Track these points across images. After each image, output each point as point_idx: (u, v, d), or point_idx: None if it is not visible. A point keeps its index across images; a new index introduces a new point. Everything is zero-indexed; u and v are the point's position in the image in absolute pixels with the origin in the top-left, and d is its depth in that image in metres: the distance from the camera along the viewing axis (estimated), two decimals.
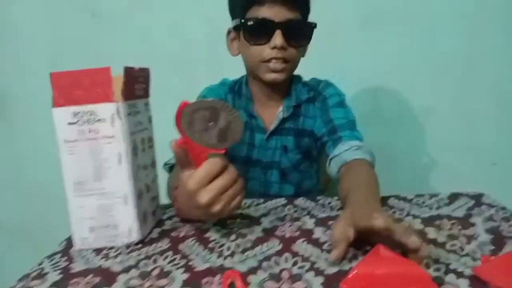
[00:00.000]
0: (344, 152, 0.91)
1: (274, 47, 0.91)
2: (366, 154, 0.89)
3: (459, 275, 0.50)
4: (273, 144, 1.06)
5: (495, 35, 1.56)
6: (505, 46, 1.57)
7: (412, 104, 1.64)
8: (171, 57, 1.63)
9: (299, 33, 0.95)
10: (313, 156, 1.09)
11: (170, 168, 0.92)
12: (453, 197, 0.80)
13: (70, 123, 0.60)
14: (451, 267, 0.53)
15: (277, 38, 0.90)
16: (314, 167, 1.12)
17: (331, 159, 0.95)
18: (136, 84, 0.64)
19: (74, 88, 0.59)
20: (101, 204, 0.62)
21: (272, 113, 1.04)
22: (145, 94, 0.69)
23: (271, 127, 1.04)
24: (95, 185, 0.61)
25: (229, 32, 1.02)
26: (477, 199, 0.79)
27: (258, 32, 0.92)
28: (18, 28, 1.66)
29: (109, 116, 0.59)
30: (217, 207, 0.59)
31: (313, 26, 0.96)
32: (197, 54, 1.63)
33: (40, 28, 1.65)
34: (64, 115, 0.59)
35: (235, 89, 1.08)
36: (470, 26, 1.56)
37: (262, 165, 1.07)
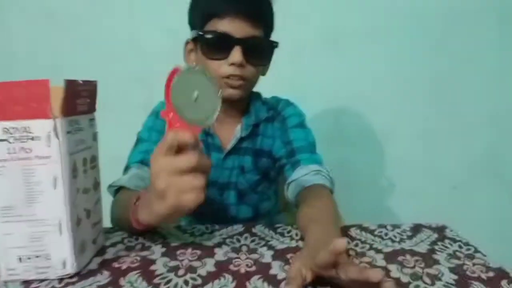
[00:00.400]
0: (303, 177, 0.88)
1: (232, 64, 0.86)
2: (325, 180, 0.87)
3: None
4: (230, 164, 1.00)
5: (458, 58, 1.59)
6: (467, 69, 1.60)
7: (373, 125, 1.65)
8: (131, 68, 1.58)
9: (260, 51, 0.90)
10: (271, 176, 1.04)
11: (116, 191, 0.84)
12: (416, 229, 0.77)
13: (0, 140, 0.53)
14: None
15: (236, 55, 0.84)
16: (273, 188, 1.08)
17: (289, 183, 0.91)
18: (78, 99, 0.58)
19: (6, 101, 0.52)
20: (32, 232, 0.55)
21: (229, 132, 0.99)
22: (90, 109, 0.62)
23: (229, 146, 0.98)
24: (25, 210, 0.54)
25: (187, 43, 0.96)
26: (440, 232, 0.76)
27: (216, 46, 0.87)
28: None
29: (45, 134, 0.53)
30: (171, 196, 0.55)
31: (274, 45, 0.92)
32: (158, 66, 1.56)
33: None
34: None
35: None
36: (432, 49, 1.58)
37: (218, 185, 1.00)
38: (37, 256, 0.56)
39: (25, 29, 1.56)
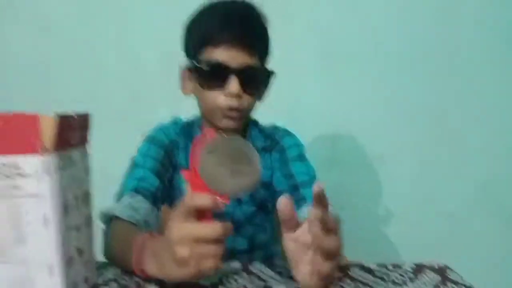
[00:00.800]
0: None
1: (229, 94, 0.84)
2: None
3: None
4: None
5: (457, 85, 1.59)
6: (466, 96, 1.59)
7: (371, 150, 1.64)
8: (124, 86, 1.56)
9: (256, 80, 0.89)
10: (268, 208, 1.01)
11: (108, 219, 0.80)
12: (418, 270, 0.74)
13: None
14: None
15: (233, 85, 0.82)
16: (270, 221, 1.04)
17: None
18: (71, 132, 0.55)
19: None
20: (20, 275, 0.51)
21: None
22: (83, 141, 0.60)
23: None
24: (14, 251, 0.51)
25: (182, 70, 0.94)
26: (442, 273, 0.73)
27: (212, 76, 0.85)
28: None
29: (35, 171, 0.50)
30: (192, 265, 0.54)
31: (271, 73, 0.91)
32: (151, 85, 1.56)
33: None
34: None
35: (188, 131, 1.00)
36: (432, 75, 1.58)
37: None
38: None
39: (20, 42, 1.54)
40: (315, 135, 1.54)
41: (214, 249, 0.55)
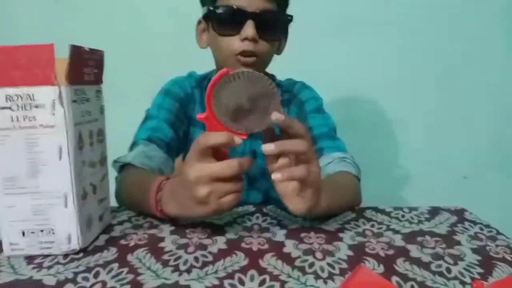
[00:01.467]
0: (327, 165, 0.84)
1: (245, 39, 0.81)
2: (350, 166, 0.83)
3: None
4: (240, 148, 0.96)
5: (471, 47, 1.55)
6: (477, 58, 1.56)
7: (384, 112, 1.62)
8: (134, 48, 1.56)
9: (273, 25, 0.85)
10: None
11: (121, 167, 0.81)
12: (434, 211, 0.74)
13: (2, 108, 0.50)
14: None
15: (249, 29, 0.80)
16: None
17: None
18: (85, 68, 0.55)
19: (9, 66, 0.50)
20: (35, 205, 0.52)
21: None
22: (97, 80, 0.60)
23: None
24: (29, 182, 0.52)
25: (199, 23, 0.92)
26: (459, 214, 0.73)
27: (228, 21, 0.83)
28: None
29: (50, 101, 0.50)
30: (212, 203, 0.55)
31: (289, 18, 0.88)
32: (161, 46, 1.55)
33: None
34: None
35: (203, 84, 0.99)
36: (443, 38, 1.54)
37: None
38: (41, 230, 0.53)
39: (30, 11, 1.54)
40: (328, 98, 1.52)
41: (232, 186, 0.55)
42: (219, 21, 0.84)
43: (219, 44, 0.85)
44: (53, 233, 0.53)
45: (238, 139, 0.55)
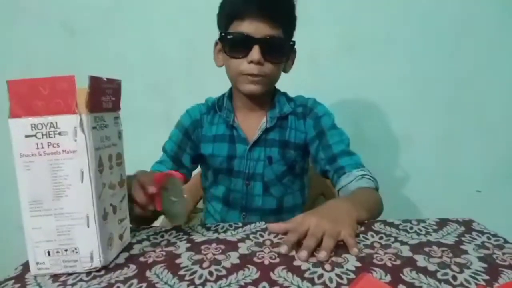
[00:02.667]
0: (349, 184, 0.94)
1: (251, 62, 0.93)
2: (370, 182, 0.94)
3: None
4: (256, 155, 1.05)
5: (479, 60, 1.56)
6: (488, 72, 1.57)
7: (394, 129, 1.63)
8: (148, 76, 1.61)
9: (277, 49, 0.97)
10: (296, 170, 1.08)
11: None
12: (442, 223, 0.75)
13: (27, 136, 0.54)
14: None
15: (254, 53, 0.92)
16: (297, 184, 1.11)
17: (338, 190, 0.97)
18: (103, 96, 0.59)
19: (33, 97, 0.54)
20: (60, 226, 0.56)
21: (254, 125, 1.05)
22: (115, 107, 0.64)
23: (254, 137, 1.04)
24: (53, 204, 0.56)
25: (216, 44, 1.03)
26: (467, 225, 0.74)
27: (237, 46, 0.95)
28: None
29: (72, 129, 0.54)
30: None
31: (291, 43, 0.99)
32: (174, 74, 1.59)
33: (14, 43, 1.61)
34: (21, 127, 0.54)
35: (216, 103, 1.09)
36: (454, 51, 1.55)
37: (244, 176, 1.06)
38: (65, 250, 0.57)
39: (44, 40, 1.61)
40: (338, 115, 1.55)
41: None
42: (229, 45, 0.96)
43: (230, 64, 0.97)
44: (77, 252, 0.57)
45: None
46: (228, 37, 0.95)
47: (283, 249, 0.62)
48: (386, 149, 1.64)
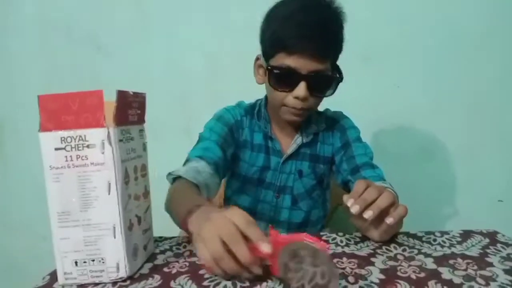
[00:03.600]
0: None
1: (297, 97, 0.90)
2: None
3: None
4: (288, 168, 1.05)
5: (497, 70, 1.54)
6: (508, 82, 1.55)
7: (414, 141, 1.62)
8: (171, 89, 1.63)
9: (324, 85, 0.94)
10: (324, 184, 1.08)
11: (173, 179, 0.88)
12: (466, 235, 0.75)
13: (57, 149, 0.56)
14: None
15: (301, 89, 0.89)
16: (323, 198, 1.11)
17: None
18: (129, 109, 0.61)
19: (62, 112, 0.56)
20: (87, 236, 0.57)
21: (289, 138, 1.05)
22: (140, 120, 0.65)
23: (289, 151, 1.03)
24: (81, 215, 0.57)
25: (257, 59, 1.01)
26: (491, 237, 0.74)
27: (283, 79, 0.91)
28: (15, 60, 1.67)
29: (99, 142, 0.56)
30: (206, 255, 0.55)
31: (339, 79, 0.95)
32: (196, 87, 1.62)
33: (42, 58, 1.66)
34: (51, 140, 0.56)
35: (253, 111, 1.08)
36: (472, 62, 1.54)
37: (275, 188, 1.05)
38: (92, 260, 0.58)
39: (71, 55, 1.66)
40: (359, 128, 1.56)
41: (235, 268, 0.55)
42: (275, 78, 0.92)
43: (273, 94, 0.95)
44: (103, 262, 0.58)
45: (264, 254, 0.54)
46: (274, 70, 0.91)
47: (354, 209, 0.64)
48: (406, 161, 1.63)
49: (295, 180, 1.05)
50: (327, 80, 0.93)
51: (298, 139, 1.03)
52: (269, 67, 0.92)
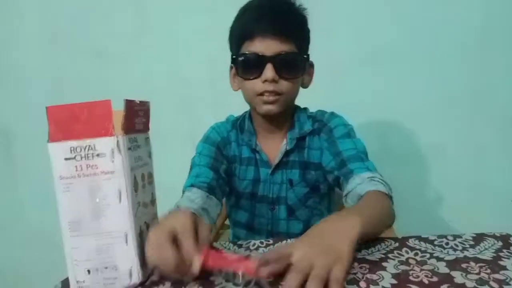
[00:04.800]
0: (357, 186, 0.86)
1: (265, 81, 0.90)
2: (380, 185, 0.84)
3: None
4: (278, 178, 1.03)
5: (501, 68, 1.53)
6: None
7: (420, 141, 1.61)
8: (174, 96, 1.66)
9: (291, 65, 0.93)
10: (321, 191, 1.05)
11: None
12: (478, 238, 0.74)
13: (66, 159, 0.56)
14: None
15: (268, 72, 0.89)
16: (324, 204, 1.08)
17: (346, 195, 0.90)
18: (136, 118, 0.61)
19: (71, 122, 0.56)
20: (99, 245, 0.58)
21: (275, 147, 1.03)
22: (145, 128, 0.66)
23: (276, 160, 1.02)
24: (93, 224, 0.57)
25: (231, 68, 1.01)
26: (504, 240, 0.72)
27: (249, 66, 0.92)
28: (20, 71, 1.70)
29: (109, 150, 0.56)
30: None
31: (305, 57, 0.95)
32: (199, 94, 1.63)
33: (44, 68, 1.69)
34: (60, 150, 0.56)
35: (237, 124, 1.07)
36: (476, 61, 1.53)
37: (268, 200, 1.04)
38: (105, 267, 0.58)
39: (75, 66, 1.69)
40: (361, 128, 1.54)
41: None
42: (241, 67, 0.94)
43: (245, 87, 0.95)
44: (116, 269, 0.58)
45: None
46: (240, 58, 0.93)
47: None
48: (415, 164, 1.62)
49: (288, 190, 1.03)
50: (293, 60, 0.93)
51: (283, 147, 1.01)
52: (233, 57, 0.94)
